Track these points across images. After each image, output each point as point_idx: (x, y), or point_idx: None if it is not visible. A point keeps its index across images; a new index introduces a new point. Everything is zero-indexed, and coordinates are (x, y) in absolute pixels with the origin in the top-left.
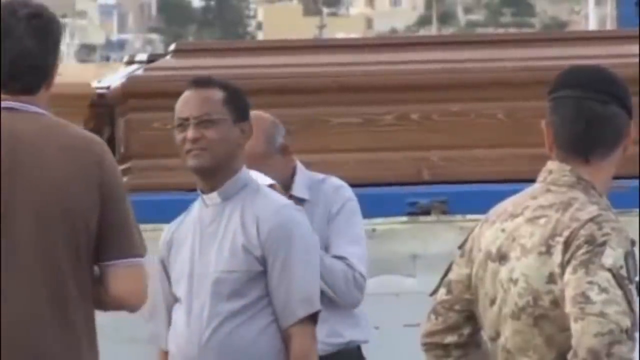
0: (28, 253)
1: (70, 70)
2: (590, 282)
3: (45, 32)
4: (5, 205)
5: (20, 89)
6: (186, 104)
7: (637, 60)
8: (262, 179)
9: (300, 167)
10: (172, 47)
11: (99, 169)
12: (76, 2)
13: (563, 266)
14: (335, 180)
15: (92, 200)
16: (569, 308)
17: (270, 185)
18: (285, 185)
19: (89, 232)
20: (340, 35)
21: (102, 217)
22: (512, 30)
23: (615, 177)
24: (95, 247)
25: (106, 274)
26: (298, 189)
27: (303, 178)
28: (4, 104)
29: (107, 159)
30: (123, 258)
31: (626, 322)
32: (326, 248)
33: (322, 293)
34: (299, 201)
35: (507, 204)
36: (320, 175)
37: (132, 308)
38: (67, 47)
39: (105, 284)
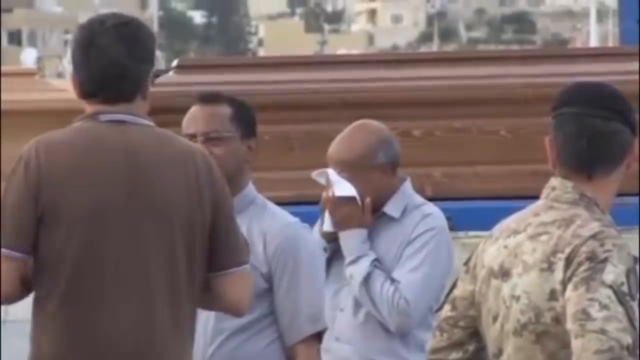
0: (151, 269)
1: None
2: (590, 299)
3: (134, 40)
4: (128, 222)
5: (113, 97)
6: (193, 119)
7: (637, 77)
8: (345, 189)
9: (405, 187)
10: (174, 63)
11: (210, 182)
12: (79, 18)
13: (564, 283)
14: (428, 208)
15: (206, 212)
16: (569, 325)
17: (352, 198)
18: (379, 202)
19: (203, 242)
20: (341, 51)
21: (213, 228)
22: (513, 47)
23: (617, 194)
24: (208, 256)
25: (220, 283)
26: (390, 207)
27: (402, 198)
28: (111, 116)
29: (215, 170)
30: (235, 267)
31: (627, 339)
32: (393, 270)
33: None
34: (389, 219)
35: (510, 221)
36: (421, 201)
37: (241, 313)
38: (70, 63)
39: (220, 292)
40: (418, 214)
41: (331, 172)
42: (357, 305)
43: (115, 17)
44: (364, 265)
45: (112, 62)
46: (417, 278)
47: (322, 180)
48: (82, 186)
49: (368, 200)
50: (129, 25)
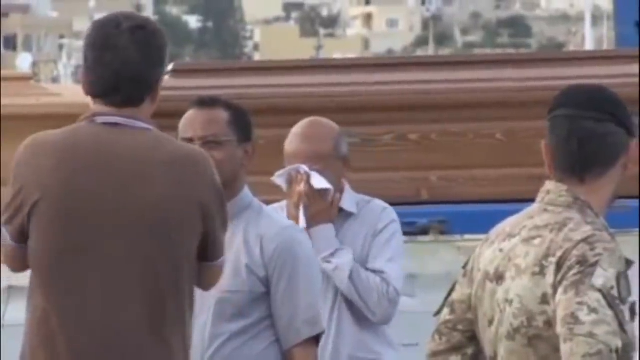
0: (125, 269)
1: (68, 91)
2: (580, 303)
3: (149, 44)
4: (104, 224)
5: (123, 101)
6: (191, 124)
7: (637, 80)
8: (321, 182)
9: (348, 186)
10: (169, 67)
11: (199, 187)
12: (73, 23)
13: (555, 287)
14: (381, 202)
15: (192, 217)
16: (559, 329)
17: (327, 190)
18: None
19: (190, 247)
20: (337, 56)
21: (205, 230)
22: (509, 50)
23: (617, 197)
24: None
25: (200, 271)
26: (347, 203)
27: (351, 194)
28: (107, 118)
29: (208, 175)
30: (210, 261)
31: (616, 342)
32: (363, 263)
33: (354, 306)
34: (346, 214)
35: (506, 224)
36: (366, 197)
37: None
38: (65, 67)
39: (199, 278)
40: (376, 207)
41: (304, 167)
42: (332, 300)
43: (129, 19)
44: (348, 257)
45: (126, 66)
46: (397, 269)
47: (283, 182)
48: (57, 186)
49: (337, 195)
50: (144, 29)
